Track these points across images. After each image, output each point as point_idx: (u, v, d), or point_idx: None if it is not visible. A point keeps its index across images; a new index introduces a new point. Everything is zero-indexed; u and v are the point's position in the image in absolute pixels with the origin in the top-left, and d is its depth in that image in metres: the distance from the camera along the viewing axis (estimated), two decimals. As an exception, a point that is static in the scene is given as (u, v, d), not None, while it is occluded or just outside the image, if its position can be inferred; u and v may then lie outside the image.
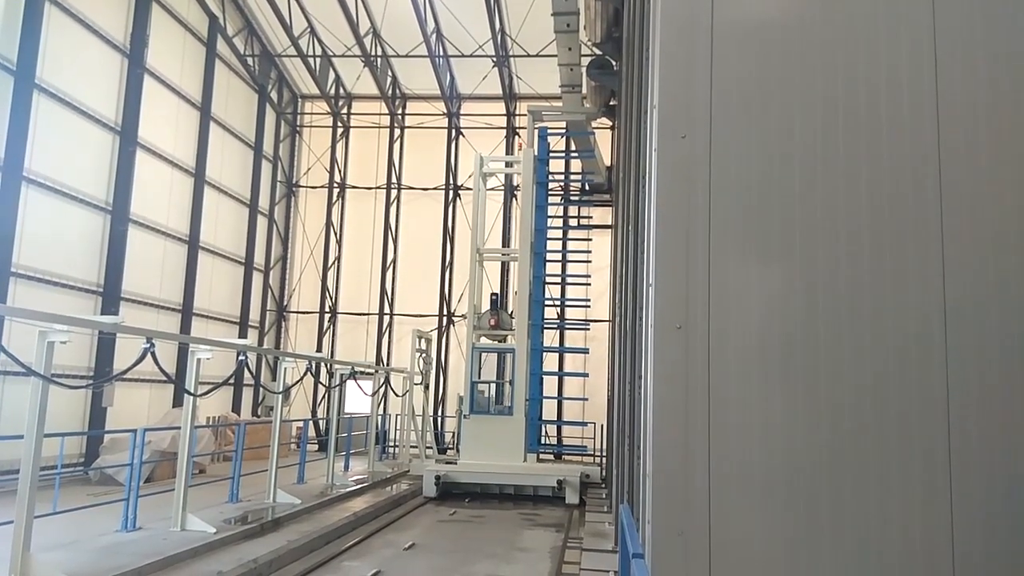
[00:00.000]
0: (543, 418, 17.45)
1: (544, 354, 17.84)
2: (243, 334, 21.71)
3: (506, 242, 23.20)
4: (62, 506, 8.90)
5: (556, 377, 21.40)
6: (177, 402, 17.46)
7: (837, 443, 3.83)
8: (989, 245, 3.92)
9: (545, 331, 17.66)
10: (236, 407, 21.59)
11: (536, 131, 17.32)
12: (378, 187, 24.50)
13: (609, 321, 16.23)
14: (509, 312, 17.32)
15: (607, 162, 19.28)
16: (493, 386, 17.40)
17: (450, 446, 21.95)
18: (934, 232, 3.95)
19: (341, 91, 24.64)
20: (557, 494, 14.22)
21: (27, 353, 7.00)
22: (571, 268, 19.85)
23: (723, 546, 3.77)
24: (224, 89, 20.86)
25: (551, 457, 20.65)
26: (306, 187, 24.90)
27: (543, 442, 18.63)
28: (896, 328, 3.91)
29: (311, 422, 20.26)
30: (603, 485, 15.34)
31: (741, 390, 3.89)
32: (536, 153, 17.12)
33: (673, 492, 3.83)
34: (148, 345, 7.99)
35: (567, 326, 19.62)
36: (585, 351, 18.83)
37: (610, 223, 19.03)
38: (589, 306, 19.30)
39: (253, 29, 22.09)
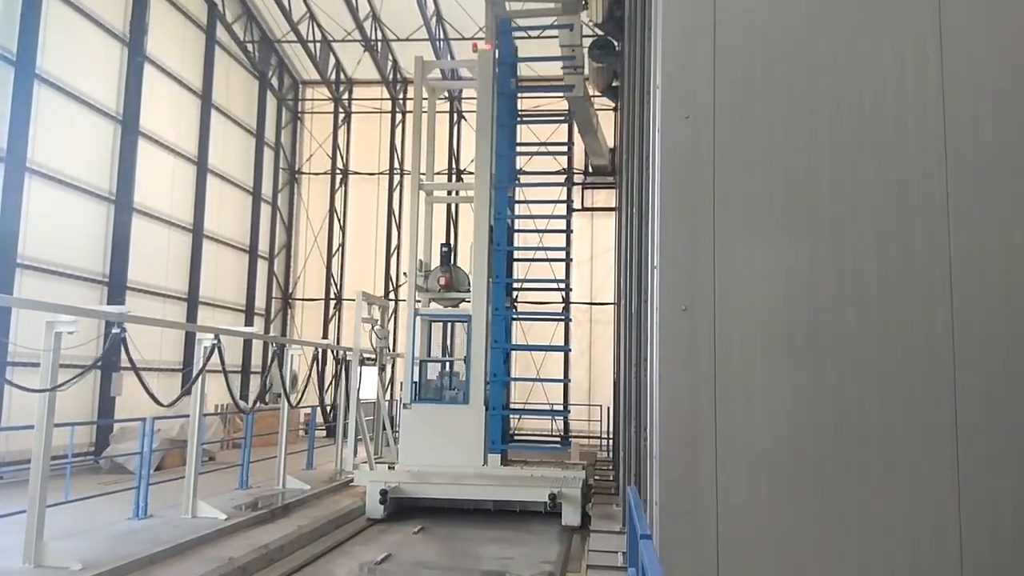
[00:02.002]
0: (510, 406, 13.48)
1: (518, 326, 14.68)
2: (249, 322, 21.75)
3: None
4: (73, 495, 8.98)
5: (555, 362, 19.94)
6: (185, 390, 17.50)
7: (842, 422, 3.83)
8: (996, 235, 3.87)
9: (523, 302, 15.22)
10: (244, 395, 21.66)
11: (497, 24, 12.99)
12: (381, 172, 24.42)
13: (614, 304, 16.14)
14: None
15: (610, 144, 19.16)
16: (448, 367, 13.16)
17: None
18: (940, 214, 3.91)
19: (342, 76, 24.51)
20: (552, 510, 10.52)
21: (35, 341, 7.04)
22: (553, 242, 14.85)
23: (730, 525, 3.77)
24: (224, 76, 20.76)
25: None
26: (308, 174, 24.85)
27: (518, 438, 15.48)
28: (901, 307, 3.89)
29: (319, 408, 20.29)
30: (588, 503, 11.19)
31: (747, 371, 3.88)
32: (497, 56, 12.82)
33: (680, 473, 3.84)
34: (118, 331, 7.94)
35: (570, 303, 18.90)
36: (561, 317, 16.04)
37: (613, 205, 18.94)
38: (568, 288, 17.38)
39: (252, 15, 21.95)
